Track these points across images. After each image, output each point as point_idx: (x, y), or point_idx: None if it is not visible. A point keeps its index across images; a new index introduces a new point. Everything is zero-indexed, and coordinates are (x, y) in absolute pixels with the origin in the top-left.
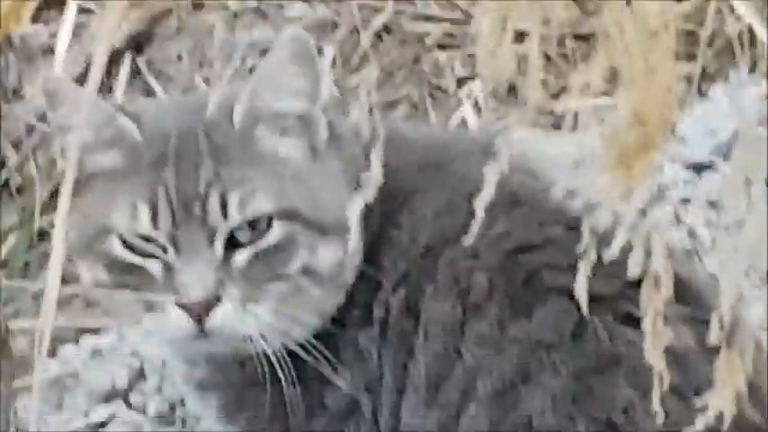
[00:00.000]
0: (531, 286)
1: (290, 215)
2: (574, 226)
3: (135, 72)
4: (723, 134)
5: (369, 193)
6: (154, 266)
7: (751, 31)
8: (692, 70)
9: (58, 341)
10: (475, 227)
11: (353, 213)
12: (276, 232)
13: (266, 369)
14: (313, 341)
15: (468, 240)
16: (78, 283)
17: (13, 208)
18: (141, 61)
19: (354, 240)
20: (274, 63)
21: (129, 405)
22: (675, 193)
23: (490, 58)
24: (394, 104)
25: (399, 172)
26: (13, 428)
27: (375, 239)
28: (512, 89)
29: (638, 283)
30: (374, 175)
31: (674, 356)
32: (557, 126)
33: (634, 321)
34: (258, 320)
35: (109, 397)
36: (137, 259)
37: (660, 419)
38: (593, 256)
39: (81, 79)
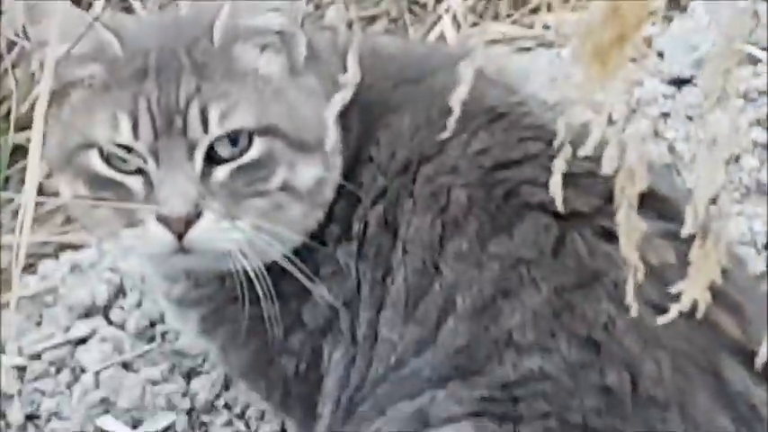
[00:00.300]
0: (510, 202)
1: (270, 131)
2: (553, 141)
3: None
4: (702, 48)
5: (346, 94)
6: (133, 182)
7: None
8: None
9: (37, 257)
10: (451, 122)
11: (331, 115)
12: (256, 148)
13: (245, 285)
14: (292, 257)
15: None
16: (58, 197)
17: None
18: None
19: (333, 153)
20: None
21: (109, 321)
22: (655, 107)
23: None
24: (373, 19)
25: (377, 87)
26: None
27: (353, 155)
28: (489, 2)
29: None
30: (351, 75)
31: (653, 271)
32: (536, 42)
33: (614, 237)
34: (238, 236)
35: (89, 313)
36: (117, 175)
37: (634, 313)
38: (568, 151)
39: None
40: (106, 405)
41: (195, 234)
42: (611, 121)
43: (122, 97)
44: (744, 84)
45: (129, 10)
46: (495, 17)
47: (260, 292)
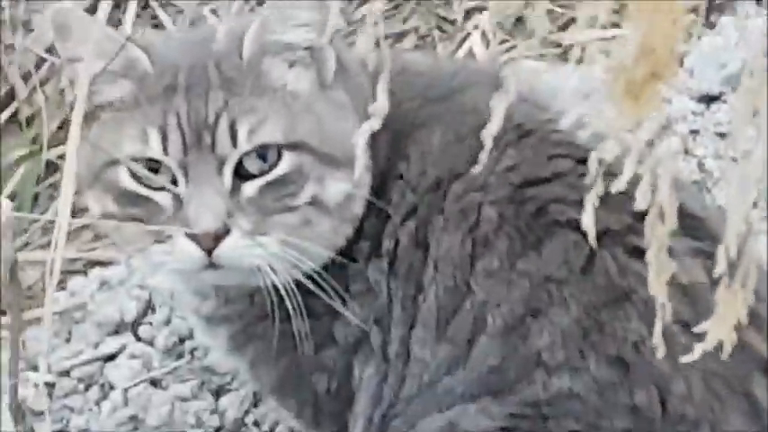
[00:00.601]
0: (540, 220)
1: (298, 146)
2: (583, 159)
3: (144, 4)
4: (731, 65)
5: (375, 123)
6: (163, 198)
7: None
8: (699, 2)
9: (67, 273)
10: (483, 157)
11: (360, 142)
12: (285, 163)
13: (275, 301)
14: (322, 273)
15: (476, 170)
16: (88, 214)
17: (22, 140)
18: None
19: (362, 172)
20: None
21: (137, 337)
22: (684, 124)
23: None
24: (401, 36)
25: (407, 104)
26: (22, 360)
27: (383, 172)
28: (519, 20)
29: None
30: (380, 105)
31: (683, 290)
32: (564, 58)
33: (644, 255)
34: (267, 252)
35: (118, 329)
36: (145, 191)
37: (661, 353)
38: (600, 187)
39: (89, 11)
40: (135, 422)
41: (224, 249)
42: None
43: (152, 113)
44: None
45: (158, 27)
46: (524, 34)
47: (290, 309)
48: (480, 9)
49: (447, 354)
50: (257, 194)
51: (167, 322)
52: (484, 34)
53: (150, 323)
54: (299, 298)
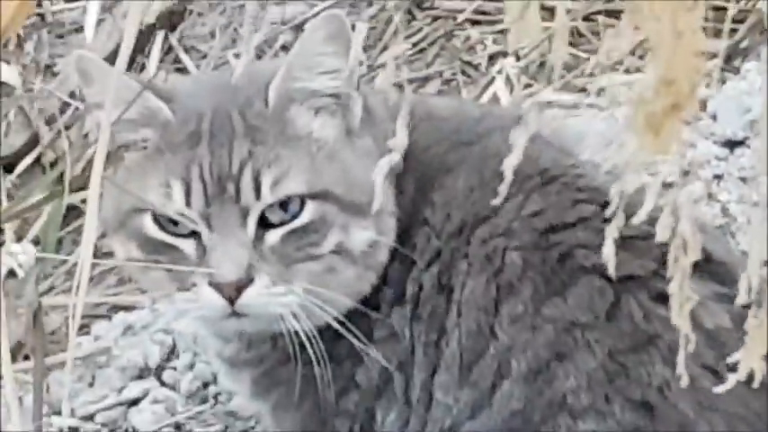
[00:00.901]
0: (564, 265)
1: (322, 195)
2: (607, 204)
3: (168, 49)
4: (755, 110)
5: (393, 159)
6: (187, 246)
7: None
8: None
9: (91, 318)
10: (503, 188)
11: (379, 178)
12: (309, 212)
13: (297, 347)
14: (344, 320)
15: (496, 201)
16: (112, 258)
17: (46, 184)
18: (174, 38)
19: (385, 216)
20: (309, 43)
21: (161, 382)
22: (708, 169)
23: (516, 23)
24: (426, 80)
25: (432, 150)
26: (46, 405)
27: (408, 218)
28: (542, 65)
29: None
30: (399, 142)
31: (707, 334)
32: (589, 104)
33: (668, 300)
34: (290, 300)
35: (142, 374)
36: (170, 239)
37: (685, 383)
38: (621, 219)
39: (115, 55)
40: None
41: (247, 299)
42: (665, 185)
43: (175, 163)
44: None
45: (182, 71)
46: (549, 79)
47: (312, 355)
48: (504, 54)
49: (470, 398)
50: (280, 243)
51: (191, 367)
52: (508, 79)
53: (174, 368)
54: (322, 344)
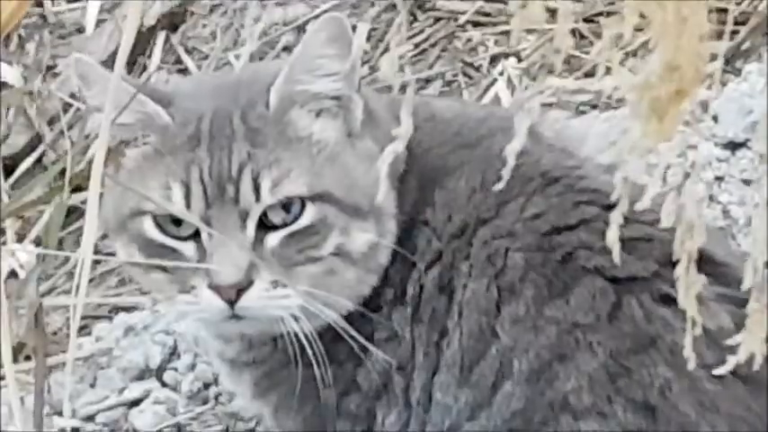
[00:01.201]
0: (566, 266)
1: (323, 197)
2: (609, 205)
3: (169, 50)
4: (757, 112)
5: (398, 147)
6: (187, 248)
7: None
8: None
9: (92, 319)
10: (506, 172)
11: (383, 168)
12: (309, 215)
13: (297, 349)
14: (343, 323)
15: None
16: (113, 259)
17: (47, 184)
18: (175, 39)
19: (387, 219)
20: (310, 45)
21: (162, 383)
22: (709, 171)
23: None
24: (427, 82)
25: (434, 151)
26: (47, 405)
27: (409, 219)
28: (544, 66)
29: (674, 264)
30: (404, 130)
31: (709, 335)
32: (591, 105)
33: (671, 301)
34: (290, 303)
35: (143, 374)
36: (170, 241)
37: (692, 365)
38: (625, 206)
39: (116, 56)
40: None
41: (247, 301)
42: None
43: (175, 165)
44: None
45: (183, 72)
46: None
47: (312, 356)
48: (506, 55)
49: (470, 399)
50: (280, 245)
51: (192, 368)
52: (510, 80)
53: (175, 369)
54: (322, 346)
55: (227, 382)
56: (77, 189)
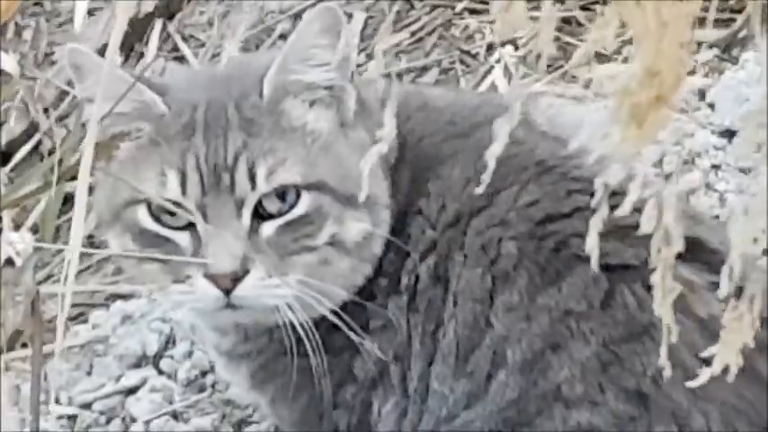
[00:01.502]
0: (560, 255)
1: (318, 187)
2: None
3: (166, 37)
4: (754, 100)
5: (382, 148)
6: (182, 238)
7: None
8: (721, 36)
9: (88, 306)
10: (486, 177)
11: (367, 168)
12: (304, 204)
13: (293, 339)
14: (340, 312)
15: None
16: (106, 249)
17: (43, 172)
18: (172, 26)
19: (381, 209)
20: (304, 35)
21: (159, 371)
22: (706, 159)
23: (501, 15)
24: (424, 70)
25: (427, 140)
26: (44, 393)
27: (403, 208)
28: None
29: None
30: (387, 132)
31: (701, 323)
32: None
33: None
34: (285, 292)
35: (139, 362)
36: (165, 231)
37: (668, 373)
38: (605, 211)
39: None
40: None
41: (242, 290)
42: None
43: (170, 153)
44: None
45: (180, 60)
46: (547, 67)
47: (308, 346)
48: (502, 43)
49: (466, 388)
50: (276, 235)
51: (189, 355)
52: (506, 68)
53: (172, 356)
54: (318, 336)
55: (224, 373)
56: (75, 177)
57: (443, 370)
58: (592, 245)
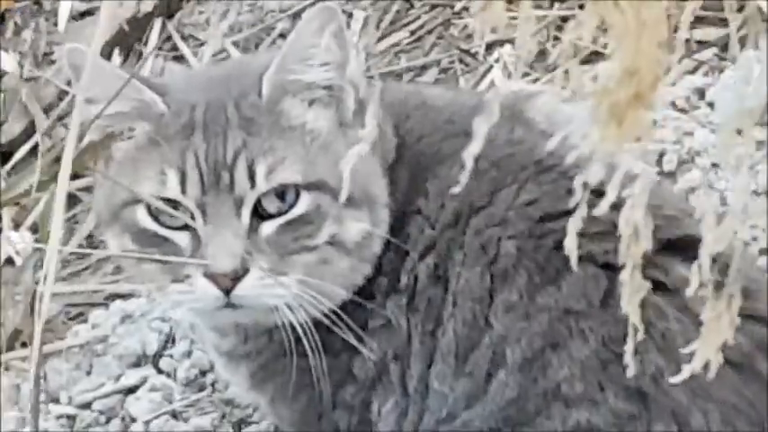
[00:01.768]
0: (559, 254)
1: (317, 186)
2: (601, 193)
3: (166, 37)
4: (753, 99)
5: (362, 149)
6: (181, 238)
7: None
8: (721, 35)
9: (88, 306)
10: (464, 178)
11: (347, 168)
12: (304, 203)
13: (292, 339)
14: (339, 312)
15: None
16: (111, 253)
17: (42, 171)
18: (171, 25)
19: (380, 209)
20: (303, 35)
21: (159, 370)
22: (706, 158)
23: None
24: (424, 69)
25: (426, 139)
26: (44, 393)
27: (401, 208)
28: (541, 54)
29: (666, 251)
30: (368, 133)
31: (698, 320)
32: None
33: (663, 288)
34: (284, 292)
35: (139, 362)
36: (164, 231)
37: (631, 372)
38: (584, 211)
39: (107, 46)
40: None
41: (242, 290)
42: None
43: (170, 152)
44: None
45: (180, 59)
46: (546, 67)
47: (307, 346)
48: (502, 42)
49: (466, 388)
50: (276, 234)
51: (188, 355)
52: (505, 67)
53: (171, 356)
54: (317, 336)
55: (224, 373)
56: (74, 176)
57: (443, 369)
58: (570, 246)
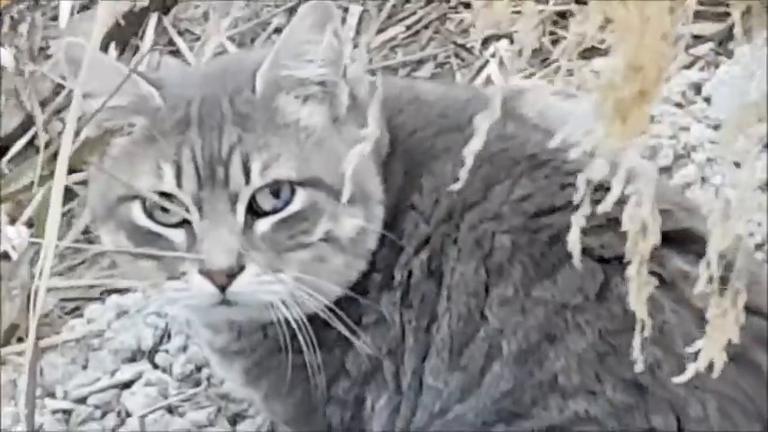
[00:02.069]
0: (554, 248)
1: (312, 183)
2: (596, 187)
3: (161, 31)
4: (756, 93)
5: (364, 149)
6: (176, 235)
7: None
8: (717, 30)
9: (84, 301)
10: (463, 174)
11: (349, 168)
12: (299, 200)
13: (287, 335)
14: (333, 307)
15: (455, 187)
16: (107, 248)
17: (39, 166)
18: (167, 20)
19: (375, 205)
20: (297, 31)
21: (154, 365)
22: (702, 153)
23: (482, 10)
24: (420, 64)
25: (419, 135)
26: (39, 387)
27: (395, 203)
28: (538, 49)
29: (663, 243)
30: (370, 132)
31: (698, 315)
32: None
33: (660, 281)
34: (280, 288)
35: (135, 356)
36: (159, 228)
37: (639, 368)
38: (587, 207)
39: (108, 37)
40: None
41: (237, 287)
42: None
43: (166, 147)
44: None
45: (176, 54)
46: (544, 61)
47: (302, 342)
48: (498, 37)
49: (460, 382)
50: (271, 231)
51: (184, 350)
52: (502, 62)
53: (167, 351)
54: (311, 332)
55: (218, 370)
56: (71, 171)
57: (437, 364)
58: (574, 241)
